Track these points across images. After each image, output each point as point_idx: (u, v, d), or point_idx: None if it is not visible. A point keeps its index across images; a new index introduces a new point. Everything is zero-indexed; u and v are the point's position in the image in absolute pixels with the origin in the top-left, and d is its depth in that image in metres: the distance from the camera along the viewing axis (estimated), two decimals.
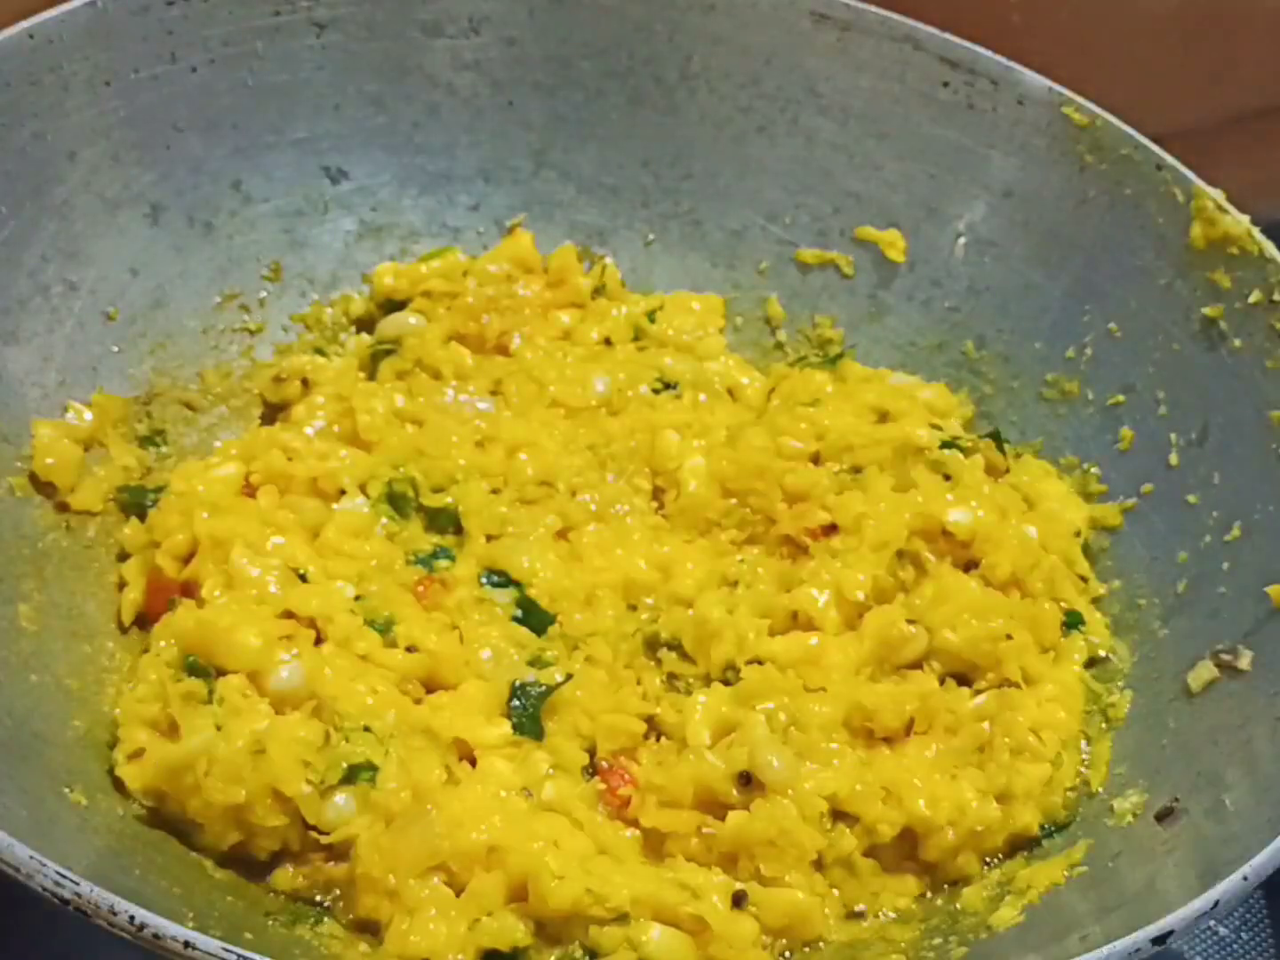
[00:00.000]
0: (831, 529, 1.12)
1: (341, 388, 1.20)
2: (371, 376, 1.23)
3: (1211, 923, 1.15)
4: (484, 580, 1.10)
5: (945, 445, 1.15)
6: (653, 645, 1.09)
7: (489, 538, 1.13)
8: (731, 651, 1.05)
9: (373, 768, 0.94)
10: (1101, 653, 1.10)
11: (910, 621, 1.06)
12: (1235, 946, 1.15)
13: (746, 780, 0.98)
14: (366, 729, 0.96)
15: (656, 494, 1.18)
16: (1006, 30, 1.31)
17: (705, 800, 0.99)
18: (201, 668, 0.98)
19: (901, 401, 1.20)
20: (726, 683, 1.05)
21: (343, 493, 1.12)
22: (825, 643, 1.06)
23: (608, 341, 1.28)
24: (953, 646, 1.05)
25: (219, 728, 0.94)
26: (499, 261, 1.28)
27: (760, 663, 1.04)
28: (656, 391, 1.24)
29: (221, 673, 0.98)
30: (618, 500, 1.17)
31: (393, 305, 1.27)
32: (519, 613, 1.09)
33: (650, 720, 1.04)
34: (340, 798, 0.93)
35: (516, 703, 1.02)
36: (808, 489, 1.14)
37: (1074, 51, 1.31)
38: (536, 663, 1.05)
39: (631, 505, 1.17)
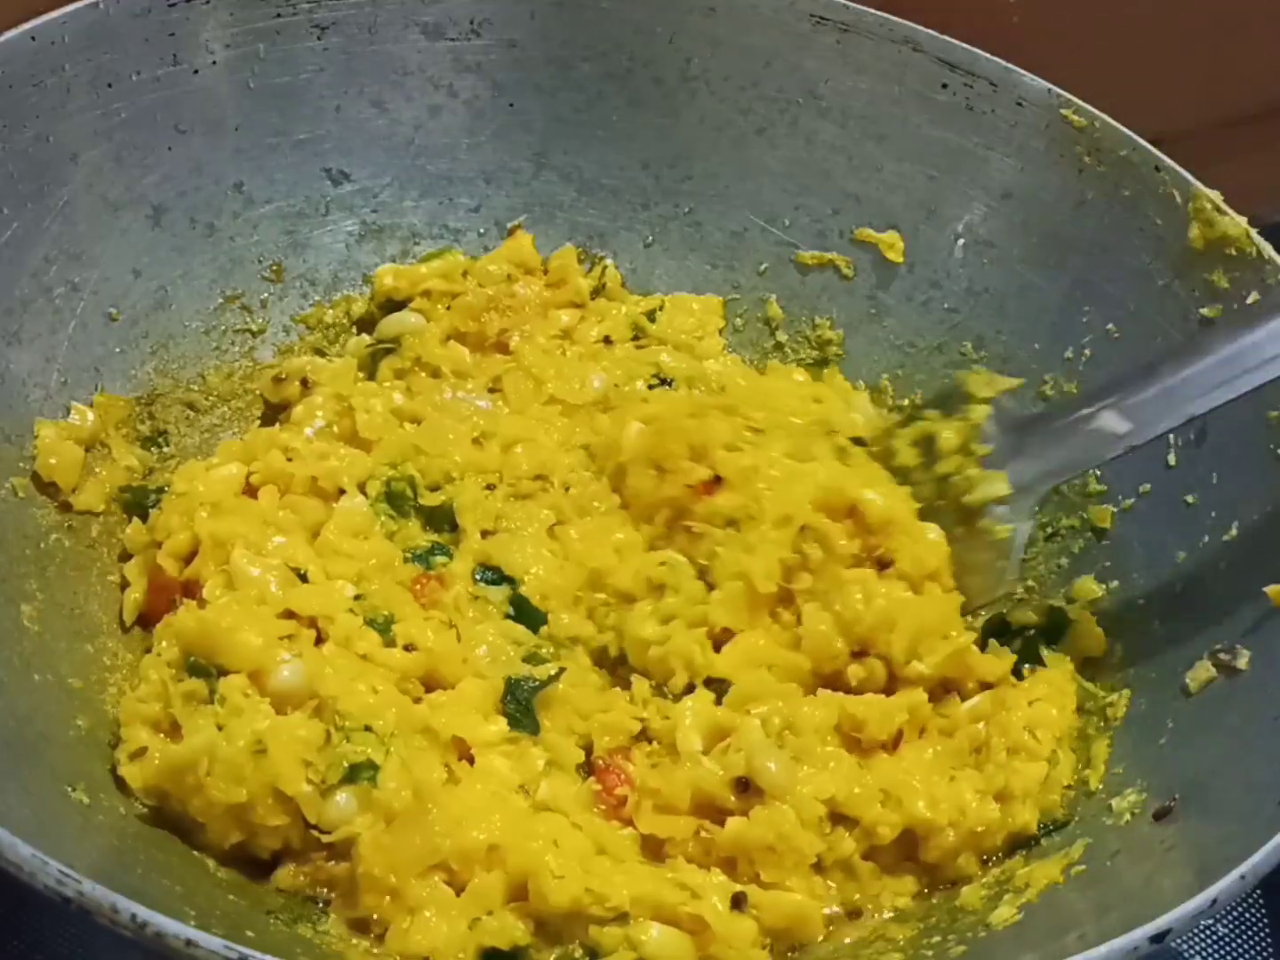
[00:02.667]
0: (717, 482, 1.11)
1: (341, 387, 1.20)
2: (371, 376, 1.23)
3: (1210, 921, 1.15)
4: (478, 577, 1.10)
5: (857, 441, 1.16)
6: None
7: (484, 533, 1.13)
8: (685, 675, 1.05)
9: (374, 767, 0.94)
10: (1099, 652, 1.11)
11: (860, 654, 1.05)
12: (1234, 945, 1.15)
13: (744, 786, 0.98)
14: (367, 728, 0.96)
15: None
16: (1006, 32, 1.31)
17: (702, 805, 0.99)
18: (203, 668, 0.99)
19: (838, 398, 1.21)
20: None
21: (342, 492, 1.13)
22: (772, 653, 1.05)
23: (607, 340, 1.28)
24: (927, 674, 1.05)
25: (220, 727, 0.94)
26: (499, 263, 1.29)
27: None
28: (651, 388, 1.24)
29: (223, 672, 0.98)
30: (598, 497, 1.17)
31: (393, 305, 1.27)
32: (512, 610, 1.09)
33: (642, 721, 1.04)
34: (341, 797, 0.94)
35: (510, 697, 1.03)
36: (705, 444, 1.12)
37: (1073, 53, 1.31)
38: (532, 659, 1.06)
39: (611, 502, 1.17)
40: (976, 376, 1.16)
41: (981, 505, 1.11)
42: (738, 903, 0.94)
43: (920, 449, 1.15)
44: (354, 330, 1.29)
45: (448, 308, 1.26)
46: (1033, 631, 1.13)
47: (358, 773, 0.94)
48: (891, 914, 0.99)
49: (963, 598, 1.09)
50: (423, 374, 1.23)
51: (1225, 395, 1.03)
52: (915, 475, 1.14)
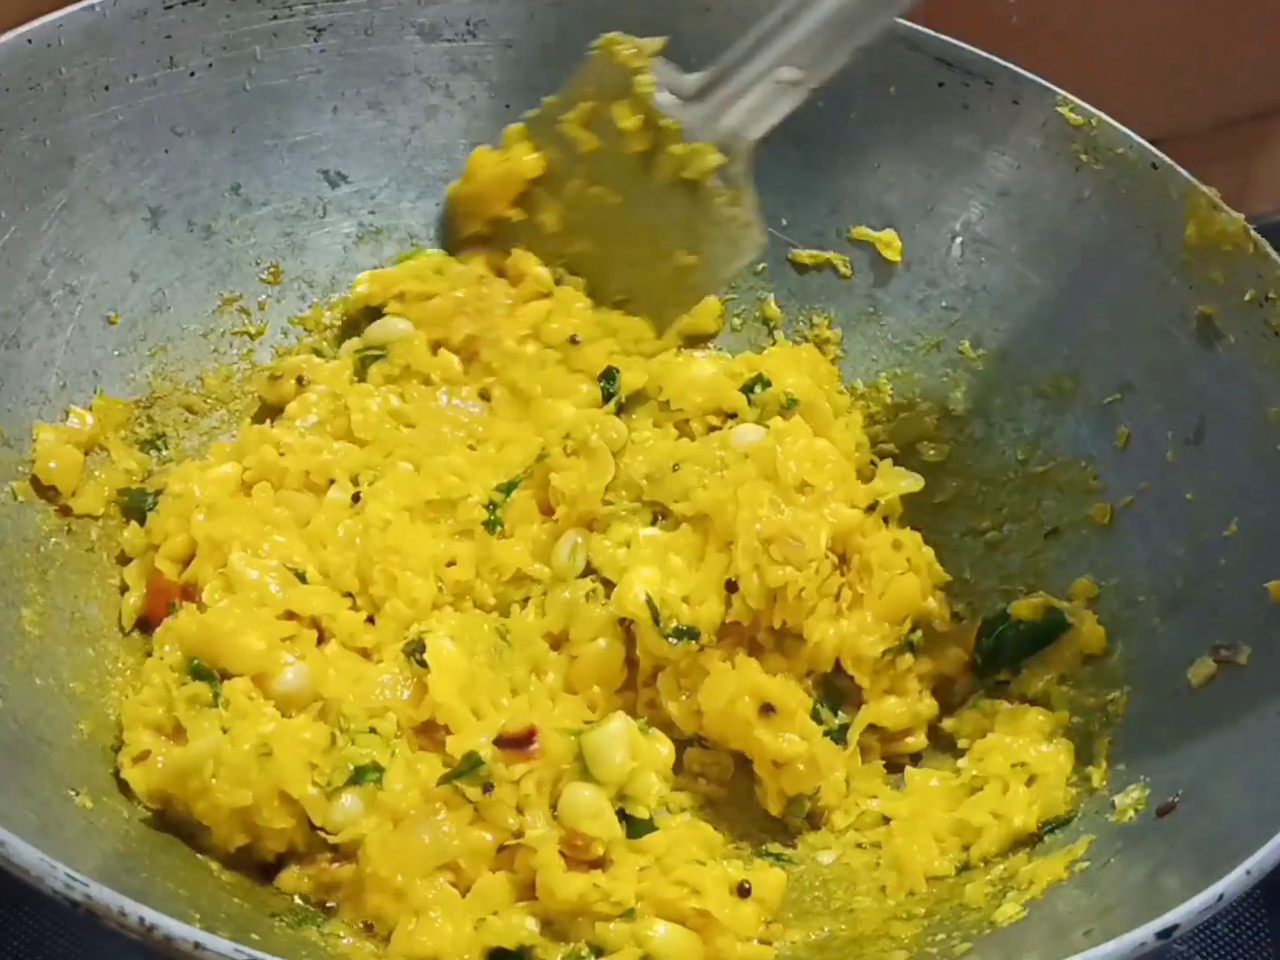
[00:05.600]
0: None
1: (336, 386, 1.20)
2: (362, 380, 1.23)
3: (1210, 920, 1.14)
4: None
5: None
6: None
7: None
8: None
9: (379, 769, 0.94)
10: (1099, 650, 1.11)
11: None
12: (1234, 945, 1.15)
13: None
14: (372, 730, 0.97)
15: None
16: (1006, 32, 1.31)
17: None
18: (206, 671, 0.99)
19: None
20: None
21: (332, 482, 1.13)
22: None
23: (574, 340, 1.25)
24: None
25: (225, 730, 0.95)
26: (473, 261, 1.29)
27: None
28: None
29: (225, 676, 0.99)
30: None
31: (375, 312, 1.26)
32: None
33: None
34: (347, 799, 0.94)
35: None
36: None
37: (1073, 53, 1.31)
38: None
39: None
40: (618, 46, 1.22)
41: (703, 178, 1.21)
42: (743, 892, 0.94)
43: (596, 132, 1.24)
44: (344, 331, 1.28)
45: (420, 312, 1.25)
46: (1024, 627, 1.13)
47: (363, 774, 0.94)
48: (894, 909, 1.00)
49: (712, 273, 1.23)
50: (415, 380, 1.22)
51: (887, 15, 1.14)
52: (607, 162, 1.24)
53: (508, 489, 1.14)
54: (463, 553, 1.10)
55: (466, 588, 1.10)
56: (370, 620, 1.06)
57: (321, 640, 1.04)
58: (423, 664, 1.00)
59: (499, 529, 1.12)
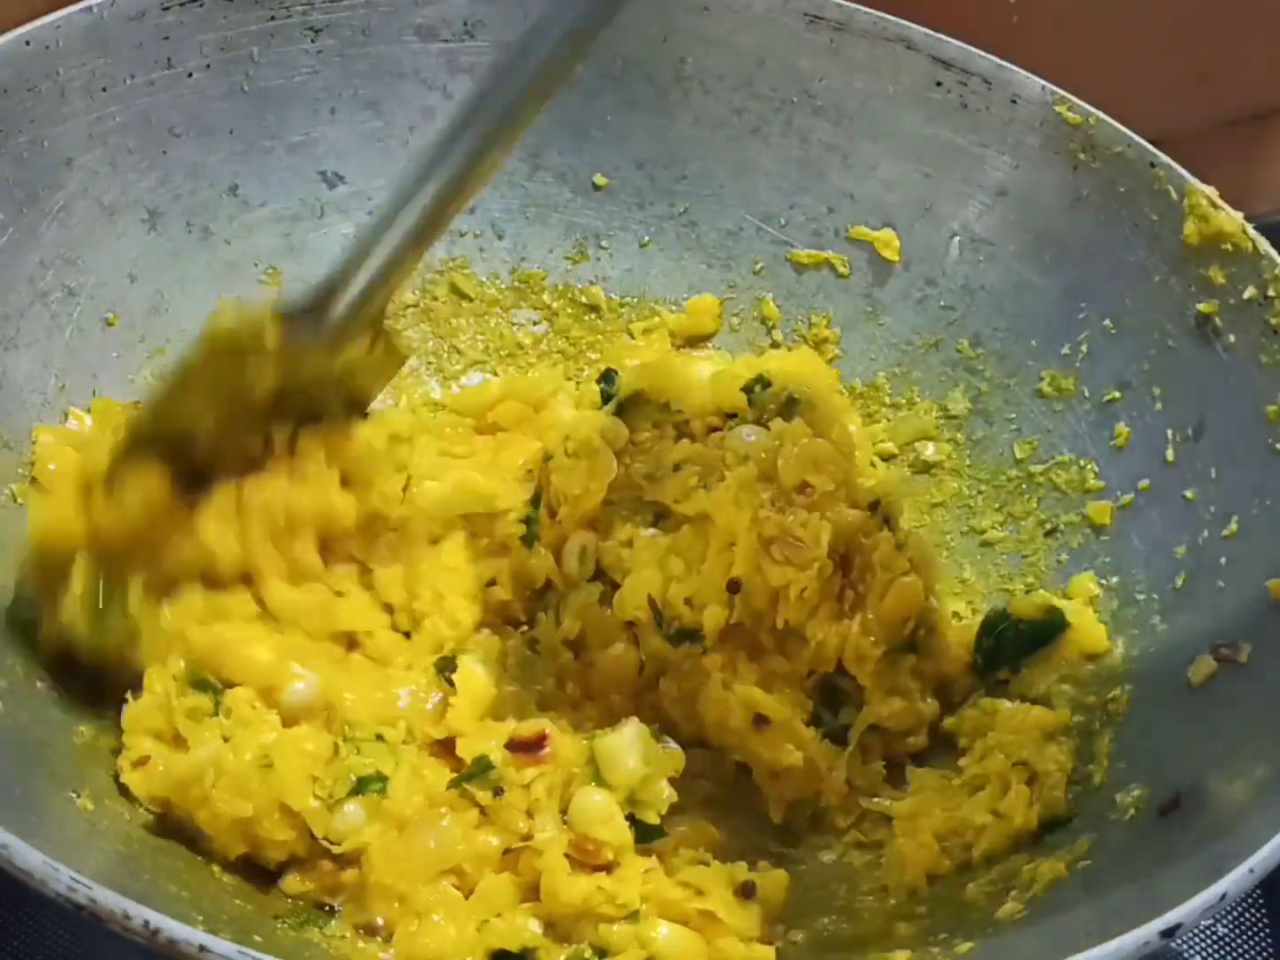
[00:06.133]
0: None
1: None
2: None
3: (1210, 921, 1.15)
4: None
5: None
6: None
7: None
8: None
9: (382, 778, 0.94)
10: (1100, 649, 1.11)
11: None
12: (1234, 945, 1.15)
13: None
14: (379, 737, 0.96)
15: None
16: (1006, 32, 1.31)
17: None
18: (207, 683, 0.98)
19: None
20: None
21: None
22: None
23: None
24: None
25: (226, 739, 0.94)
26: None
27: None
28: None
29: (230, 685, 0.98)
30: None
31: None
32: None
33: None
34: (350, 808, 0.94)
35: None
36: None
37: (1073, 53, 1.31)
38: None
39: None
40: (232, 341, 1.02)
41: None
42: (748, 892, 0.94)
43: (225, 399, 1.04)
44: None
45: None
46: (1024, 626, 1.13)
47: (365, 785, 0.94)
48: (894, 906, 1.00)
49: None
50: None
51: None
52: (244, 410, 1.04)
53: (535, 501, 1.14)
54: (501, 569, 1.11)
55: (505, 607, 1.10)
56: (405, 635, 1.07)
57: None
58: (451, 683, 1.00)
59: (536, 542, 1.12)
